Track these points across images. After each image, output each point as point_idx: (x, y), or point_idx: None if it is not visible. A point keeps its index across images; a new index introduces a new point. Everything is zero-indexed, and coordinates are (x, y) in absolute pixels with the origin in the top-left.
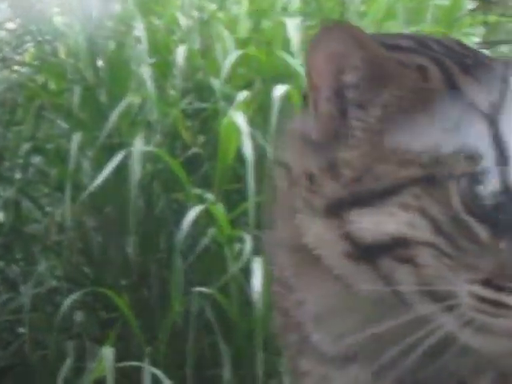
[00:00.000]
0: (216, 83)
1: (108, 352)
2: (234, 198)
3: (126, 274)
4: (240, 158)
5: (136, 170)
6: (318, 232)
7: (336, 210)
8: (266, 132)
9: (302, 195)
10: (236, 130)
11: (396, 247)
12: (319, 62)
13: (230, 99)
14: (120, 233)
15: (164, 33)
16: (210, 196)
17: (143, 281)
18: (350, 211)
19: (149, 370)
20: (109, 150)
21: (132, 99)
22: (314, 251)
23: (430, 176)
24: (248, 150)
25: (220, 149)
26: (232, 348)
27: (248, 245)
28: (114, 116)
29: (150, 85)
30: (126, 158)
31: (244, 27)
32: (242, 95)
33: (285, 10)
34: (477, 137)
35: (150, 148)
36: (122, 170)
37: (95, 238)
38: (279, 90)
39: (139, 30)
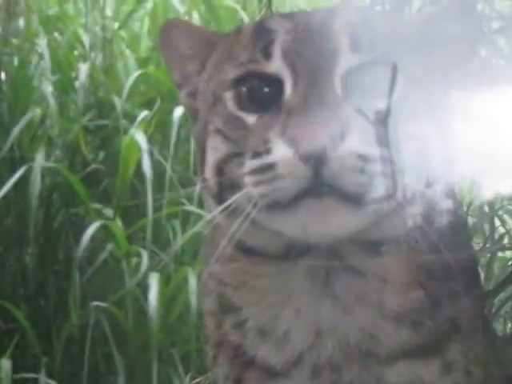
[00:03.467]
0: (117, 100)
1: (5, 364)
2: (131, 213)
3: (24, 284)
4: (139, 174)
5: (36, 184)
6: None
7: None
8: (164, 149)
9: None
10: (136, 147)
11: None
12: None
13: (130, 116)
14: (19, 244)
15: (66, 50)
16: (108, 211)
17: (41, 291)
18: None
19: (45, 380)
20: (10, 164)
21: (34, 114)
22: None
23: None
24: (147, 167)
25: (120, 166)
26: (126, 359)
27: (145, 260)
28: (15, 130)
29: (51, 100)
30: (27, 171)
31: (145, 46)
32: (143, 114)
33: None
34: None
35: (50, 164)
36: (22, 183)
37: None
38: (179, 111)
39: (42, 46)
